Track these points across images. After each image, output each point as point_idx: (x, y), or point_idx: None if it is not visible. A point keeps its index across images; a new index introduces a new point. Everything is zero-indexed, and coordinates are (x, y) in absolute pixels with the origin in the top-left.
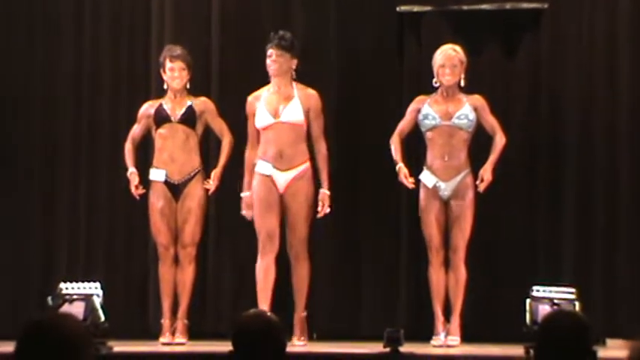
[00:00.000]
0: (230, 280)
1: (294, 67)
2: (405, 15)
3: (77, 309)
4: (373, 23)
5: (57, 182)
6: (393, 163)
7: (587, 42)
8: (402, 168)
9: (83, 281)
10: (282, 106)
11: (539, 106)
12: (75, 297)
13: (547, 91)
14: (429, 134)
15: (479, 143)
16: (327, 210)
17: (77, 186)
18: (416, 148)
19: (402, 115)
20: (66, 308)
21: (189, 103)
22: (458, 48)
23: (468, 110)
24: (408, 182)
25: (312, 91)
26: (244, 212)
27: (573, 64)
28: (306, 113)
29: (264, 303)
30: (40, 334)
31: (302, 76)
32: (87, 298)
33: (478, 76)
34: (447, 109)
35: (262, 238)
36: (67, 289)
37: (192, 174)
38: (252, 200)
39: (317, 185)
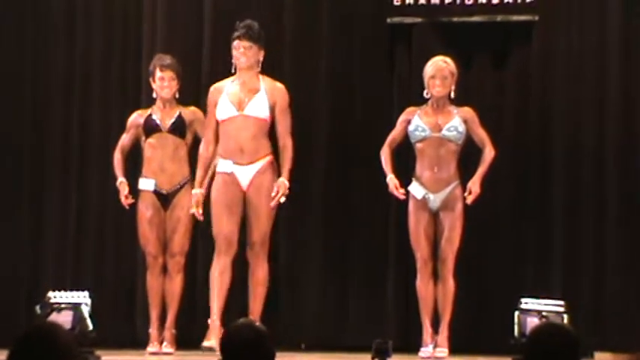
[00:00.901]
0: None
1: (261, 58)
2: (395, 26)
3: (65, 318)
4: (364, 35)
5: (46, 190)
6: (383, 174)
7: (577, 54)
8: (392, 179)
9: (71, 290)
10: (247, 98)
11: (529, 118)
12: (63, 306)
13: (537, 104)
14: (418, 145)
15: (468, 155)
16: (282, 199)
17: (66, 194)
18: (405, 159)
19: (392, 126)
20: (54, 317)
21: (178, 112)
22: (448, 60)
23: (457, 122)
24: (399, 193)
25: (279, 85)
26: (193, 210)
27: (563, 77)
28: (272, 108)
29: (216, 308)
30: (30, 344)
31: (292, 86)
32: (75, 307)
33: (468, 88)
34: (437, 121)
35: (219, 241)
36: (55, 297)
37: (181, 183)
38: (201, 198)
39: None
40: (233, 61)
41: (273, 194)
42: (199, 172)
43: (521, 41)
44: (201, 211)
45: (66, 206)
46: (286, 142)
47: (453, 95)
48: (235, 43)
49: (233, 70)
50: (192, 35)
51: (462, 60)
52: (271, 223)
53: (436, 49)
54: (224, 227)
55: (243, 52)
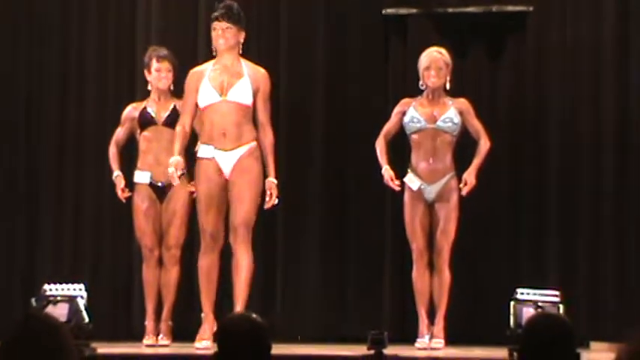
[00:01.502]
0: None
1: (242, 40)
2: (390, 17)
3: (61, 310)
4: (359, 26)
5: (41, 182)
6: (378, 166)
7: (572, 45)
8: (387, 170)
9: (67, 283)
10: (229, 83)
11: (525, 109)
12: (59, 298)
13: (532, 95)
14: (414, 137)
15: (464, 147)
16: (276, 201)
17: (62, 186)
18: (401, 150)
19: (387, 118)
20: (50, 310)
21: (173, 104)
22: (443, 50)
23: (452, 114)
24: (394, 184)
25: (262, 70)
26: (172, 170)
27: (559, 67)
28: (255, 94)
29: (208, 303)
30: (23, 336)
31: (287, 78)
32: (71, 300)
33: (463, 79)
34: (432, 112)
35: (205, 237)
36: (51, 290)
37: (181, 172)
38: (183, 166)
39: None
40: (213, 43)
41: (267, 199)
42: (177, 145)
43: (517, 32)
44: (179, 173)
45: (62, 198)
46: (267, 132)
47: (448, 86)
48: (214, 24)
49: (214, 53)
50: (187, 29)
51: (457, 51)
52: (255, 208)
53: (431, 40)
54: (209, 224)
55: (222, 34)
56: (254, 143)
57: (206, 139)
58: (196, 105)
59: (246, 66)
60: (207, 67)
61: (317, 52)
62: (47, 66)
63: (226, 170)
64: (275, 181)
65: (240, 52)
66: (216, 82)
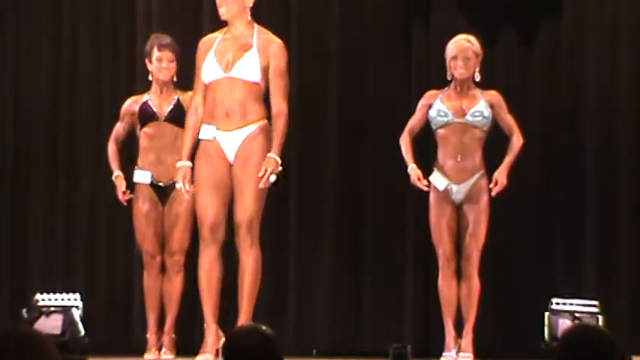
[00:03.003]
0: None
1: (249, 4)
2: (412, 1)
3: (54, 322)
4: (377, 10)
5: (32, 183)
6: (401, 164)
7: (610, 29)
8: (414, 169)
9: (61, 292)
10: (235, 57)
11: (559, 102)
12: (52, 309)
13: (568, 86)
14: (440, 132)
15: (494, 143)
16: (272, 179)
17: (54, 187)
18: (426, 147)
19: (411, 112)
20: (42, 322)
21: (176, 98)
22: (472, 39)
23: (483, 107)
24: (422, 184)
25: (276, 41)
26: (179, 185)
27: (596, 55)
28: (265, 70)
29: (208, 307)
30: (7, 353)
31: (300, 67)
32: (65, 311)
33: (493, 70)
34: (461, 105)
35: (203, 228)
36: (43, 300)
37: None
38: (190, 173)
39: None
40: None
41: (260, 174)
42: (186, 143)
43: (551, 16)
44: (188, 187)
45: (54, 201)
46: (280, 110)
47: (478, 78)
48: None
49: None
50: (190, 16)
51: (486, 38)
52: (260, 203)
53: (457, 27)
54: (208, 211)
55: (220, 2)
56: (262, 122)
57: (208, 118)
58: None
59: (258, 35)
60: (217, 37)
61: (331, 40)
62: (37, 55)
63: (230, 154)
64: (275, 158)
65: (250, 16)
66: (222, 55)
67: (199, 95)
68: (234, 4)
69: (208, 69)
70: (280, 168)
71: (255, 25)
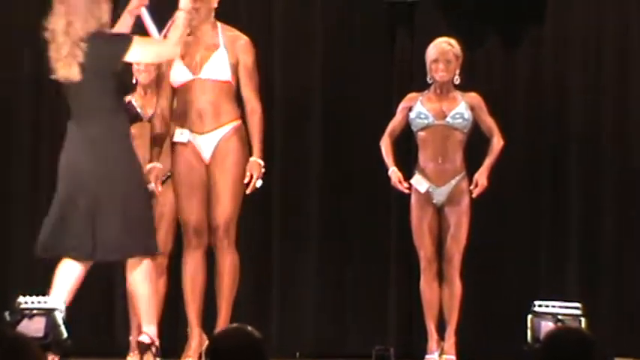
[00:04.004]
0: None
1: (215, 5)
2: (396, 5)
3: (37, 325)
4: (362, 14)
5: (12, 181)
6: (381, 166)
7: (594, 31)
8: (395, 172)
9: (44, 294)
10: (203, 59)
11: (542, 104)
12: (35, 312)
13: (550, 88)
14: (421, 134)
15: (475, 145)
16: (259, 183)
17: (36, 186)
18: (406, 149)
19: (392, 114)
20: (25, 324)
21: None
22: (453, 41)
23: (463, 109)
24: (403, 187)
25: (242, 38)
26: (151, 186)
27: (579, 57)
28: (234, 67)
29: (193, 313)
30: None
31: (284, 69)
32: (48, 313)
33: (474, 72)
34: (441, 108)
35: (187, 232)
36: (26, 303)
37: (164, 177)
38: (163, 171)
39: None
40: None
41: (246, 181)
42: (155, 149)
43: (533, 19)
44: (160, 188)
45: (36, 199)
46: (254, 107)
47: (457, 81)
48: None
49: None
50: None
51: (467, 40)
52: (236, 204)
53: (440, 30)
54: (189, 215)
55: (192, 8)
56: (236, 123)
57: (181, 122)
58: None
59: (223, 34)
60: None
61: (315, 43)
62: (18, 57)
63: (205, 155)
64: (259, 161)
65: (214, 17)
66: (188, 57)
67: (164, 99)
68: (204, 7)
69: (176, 72)
70: (263, 170)
71: (219, 24)
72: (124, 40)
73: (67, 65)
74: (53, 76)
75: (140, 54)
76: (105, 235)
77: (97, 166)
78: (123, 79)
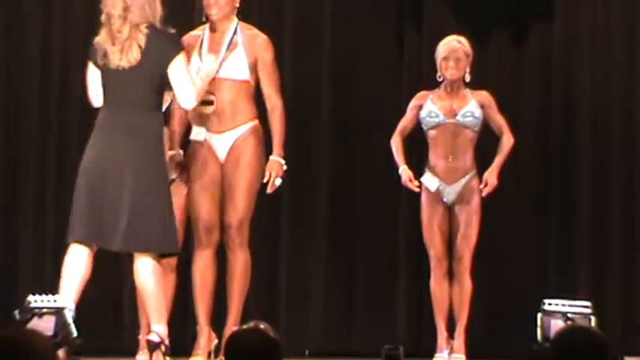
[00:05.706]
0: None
1: (237, 4)
2: (404, 2)
3: (47, 324)
4: (370, 11)
5: (20, 181)
6: (392, 165)
7: (603, 30)
8: (405, 170)
9: (53, 293)
10: (221, 57)
11: (551, 102)
12: (44, 310)
13: (560, 86)
14: (431, 133)
15: (485, 144)
16: (278, 182)
17: (44, 186)
18: (417, 148)
19: (402, 113)
20: (34, 323)
21: (168, 99)
22: (463, 40)
23: (474, 107)
24: (413, 186)
25: (260, 37)
26: (174, 175)
27: (589, 55)
28: (253, 66)
29: (202, 312)
30: (6, 351)
31: (293, 68)
32: (58, 312)
33: (485, 70)
34: (452, 106)
35: (198, 229)
36: (35, 301)
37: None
38: (183, 161)
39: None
40: (205, 12)
41: (265, 180)
42: (174, 138)
43: (543, 17)
44: (175, 174)
45: (43, 200)
46: (275, 104)
47: (468, 79)
48: None
49: (204, 19)
50: (181, 12)
51: (478, 39)
52: (249, 204)
53: (449, 27)
54: (202, 212)
55: (215, 2)
56: (254, 123)
57: (198, 120)
58: None
59: (242, 33)
60: (199, 35)
61: (324, 41)
62: (28, 48)
63: (221, 154)
64: (279, 160)
65: (236, 14)
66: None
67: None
68: (226, 6)
69: (194, 71)
70: (285, 168)
71: (238, 22)
72: (178, 45)
73: (128, 48)
74: (99, 62)
75: (177, 70)
76: (135, 227)
77: (129, 157)
78: (167, 79)
